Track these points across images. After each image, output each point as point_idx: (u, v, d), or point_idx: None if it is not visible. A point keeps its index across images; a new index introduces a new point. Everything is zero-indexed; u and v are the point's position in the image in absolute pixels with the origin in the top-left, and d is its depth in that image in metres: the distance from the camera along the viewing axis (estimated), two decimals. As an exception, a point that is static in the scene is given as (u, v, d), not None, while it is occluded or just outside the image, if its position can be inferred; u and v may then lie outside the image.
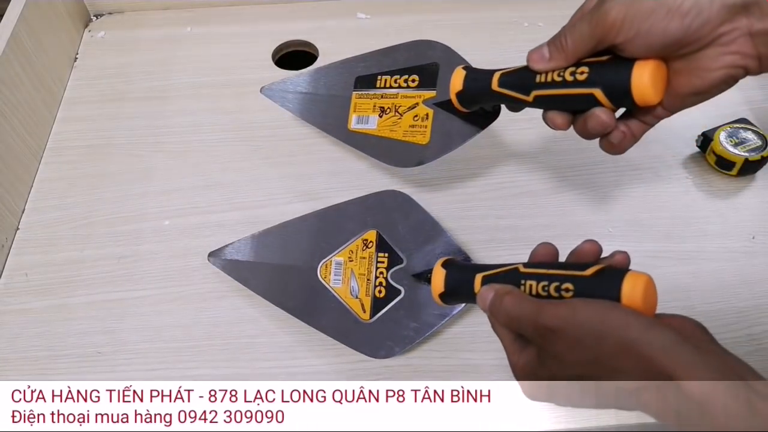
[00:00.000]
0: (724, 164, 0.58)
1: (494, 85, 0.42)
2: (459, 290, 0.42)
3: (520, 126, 0.64)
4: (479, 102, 0.44)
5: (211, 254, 0.51)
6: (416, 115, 0.47)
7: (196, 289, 0.52)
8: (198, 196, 0.59)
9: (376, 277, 0.46)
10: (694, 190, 0.59)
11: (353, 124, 0.49)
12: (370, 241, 0.46)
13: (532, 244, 0.55)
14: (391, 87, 0.48)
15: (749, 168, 0.58)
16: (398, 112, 0.48)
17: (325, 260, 0.48)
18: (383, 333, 0.45)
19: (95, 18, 0.76)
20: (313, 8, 0.77)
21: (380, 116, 0.48)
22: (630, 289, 0.32)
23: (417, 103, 0.47)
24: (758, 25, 0.30)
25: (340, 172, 0.61)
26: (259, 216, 0.57)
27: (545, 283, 0.36)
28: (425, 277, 0.45)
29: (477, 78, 0.43)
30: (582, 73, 0.38)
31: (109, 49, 0.73)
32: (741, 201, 0.58)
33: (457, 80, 0.43)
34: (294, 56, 0.74)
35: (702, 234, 0.56)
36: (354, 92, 0.50)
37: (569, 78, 0.38)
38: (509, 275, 0.39)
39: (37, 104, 0.62)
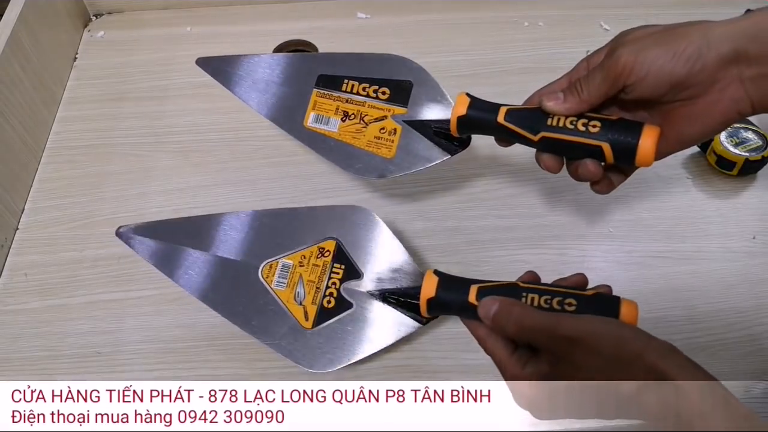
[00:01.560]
0: (724, 164, 0.58)
1: (500, 118, 0.43)
2: (450, 299, 0.41)
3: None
4: (478, 130, 0.44)
5: (123, 227, 0.46)
6: (383, 128, 0.46)
7: (196, 289, 0.52)
8: (198, 196, 0.59)
9: (327, 287, 0.43)
10: (695, 190, 0.59)
11: (310, 121, 0.47)
12: (327, 251, 0.44)
13: (532, 245, 0.55)
14: (358, 94, 0.47)
15: (750, 168, 0.58)
16: (364, 121, 0.46)
17: (270, 260, 0.44)
18: (324, 344, 0.42)
19: (95, 18, 0.76)
20: (312, 8, 0.77)
21: (342, 120, 0.46)
22: (627, 312, 0.38)
23: (386, 116, 0.46)
24: (747, 72, 0.34)
25: (340, 172, 0.60)
26: (259, 216, 0.57)
27: (548, 297, 0.38)
28: (384, 296, 0.43)
29: (483, 107, 0.43)
30: (594, 126, 0.39)
31: (109, 48, 0.73)
32: (741, 201, 0.58)
33: (461, 105, 0.43)
34: (294, 56, 0.74)
35: (702, 234, 0.56)
36: (315, 89, 0.47)
37: (581, 128, 0.39)
38: (509, 288, 0.39)
39: (36, 104, 0.62)
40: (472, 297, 0.40)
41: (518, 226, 0.56)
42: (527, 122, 0.42)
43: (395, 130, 0.46)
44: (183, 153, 0.62)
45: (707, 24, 0.36)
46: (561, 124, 0.40)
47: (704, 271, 0.53)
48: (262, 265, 0.44)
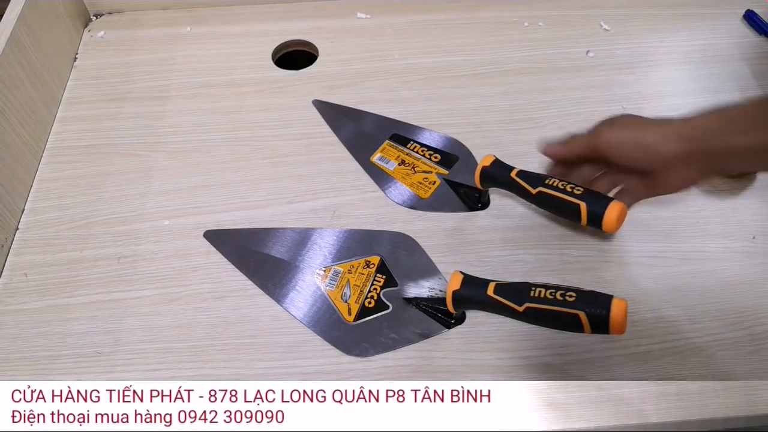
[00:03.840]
0: (724, 164, 0.58)
1: (513, 174, 0.53)
2: (472, 292, 0.47)
3: (520, 126, 0.64)
4: (494, 183, 0.54)
5: (210, 231, 0.56)
6: (426, 178, 0.59)
7: (195, 289, 0.52)
8: (198, 196, 0.59)
9: (369, 291, 0.51)
10: (695, 190, 0.59)
11: (375, 159, 0.61)
12: (373, 263, 0.53)
13: (532, 245, 0.55)
14: (417, 153, 0.61)
15: (749, 168, 0.58)
16: (414, 169, 0.60)
17: (325, 267, 0.53)
18: (362, 335, 0.49)
19: (95, 18, 0.76)
20: (312, 8, 0.77)
21: (399, 164, 0.60)
22: (616, 309, 0.43)
23: (431, 171, 0.60)
24: (694, 163, 0.45)
25: (340, 172, 0.61)
26: (258, 216, 0.57)
27: (552, 290, 0.45)
28: (417, 302, 0.51)
29: (502, 167, 0.54)
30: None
31: (109, 48, 0.73)
32: (741, 201, 0.58)
33: (487, 160, 0.54)
34: (294, 56, 0.74)
35: (702, 234, 0.56)
36: (387, 141, 0.62)
37: (562, 187, 0.51)
38: (520, 285, 0.47)
39: (36, 104, 0.62)
40: (490, 291, 0.46)
41: (518, 226, 0.56)
42: (531, 180, 0.52)
43: (435, 182, 0.59)
44: (183, 153, 0.62)
45: (663, 123, 0.47)
46: (554, 183, 0.51)
47: (704, 271, 0.53)
48: (316, 270, 0.53)
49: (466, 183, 0.59)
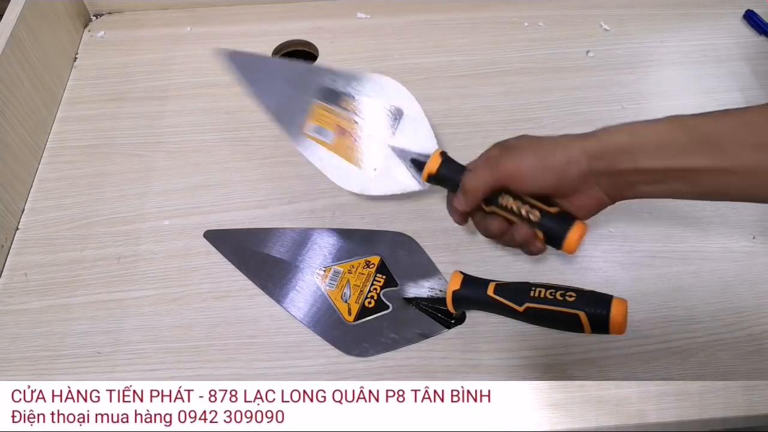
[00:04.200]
0: (724, 164, 0.58)
1: (490, 292, 0.47)
2: (471, 292, 0.47)
3: (520, 126, 0.64)
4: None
5: (209, 231, 0.56)
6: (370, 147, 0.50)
7: (195, 289, 0.52)
8: (198, 196, 0.59)
9: (369, 291, 0.51)
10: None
11: (309, 131, 0.50)
12: (373, 263, 0.53)
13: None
14: (353, 112, 0.50)
15: (749, 168, 0.58)
16: (354, 139, 0.50)
17: (325, 267, 0.53)
18: (362, 335, 0.49)
19: (95, 18, 0.76)
20: (312, 8, 0.77)
21: (337, 135, 0.50)
22: (616, 309, 0.43)
23: (373, 136, 0.51)
24: (601, 181, 0.42)
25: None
26: (258, 216, 0.57)
27: (552, 290, 0.45)
28: (417, 302, 0.51)
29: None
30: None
31: (109, 48, 0.73)
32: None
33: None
34: (294, 56, 0.74)
35: (702, 234, 0.56)
36: (315, 102, 0.50)
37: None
38: (520, 285, 0.46)
39: (36, 104, 0.62)
40: (490, 291, 0.47)
41: (518, 226, 0.56)
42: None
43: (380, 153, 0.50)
44: (183, 153, 0.62)
45: (567, 141, 0.42)
46: (507, 205, 0.46)
47: (704, 271, 0.53)
48: (316, 270, 0.53)
49: (415, 149, 0.49)
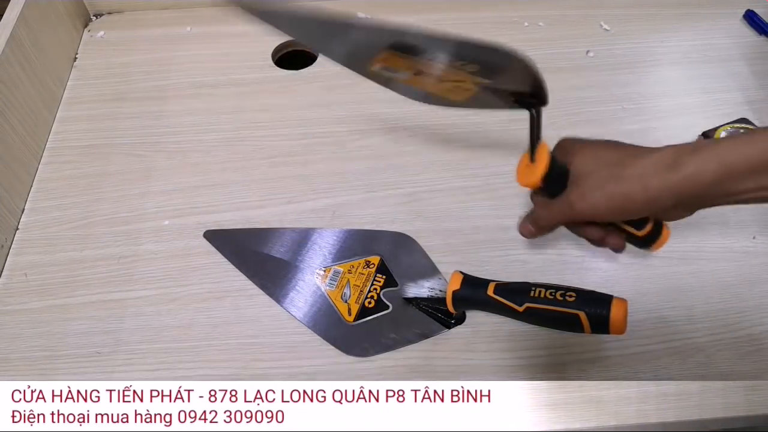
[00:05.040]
0: (724, 164, 0.58)
1: (490, 291, 0.48)
2: (472, 292, 0.47)
3: (521, 126, 0.64)
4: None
5: (209, 231, 0.56)
6: (458, 85, 0.41)
7: (195, 289, 0.52)
8: (198, 196, 0.59)
9: (369, 291, 0.51)
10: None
11: (377, 68, 0.40)
12: (373, 264, 0.53)
13: (532, 245, 0.55)
14: (441, 66, 0.39)
15: (749, 168, 0.58)
16: (439, 79, 0.40)
17: (325, 267, 0.53)
18: (362, 335, 0.49)
19: (95, 18, 0.76)
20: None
21: (414, 74, 0.40)
22: (616, 309, 0.43)
23: (465, 81, 0.40)
24: (685, 211, 0.42)
25: (340, 172, 0.61)
26: (258, 216, 0.57)
27: (552, 290, 0.45)
28: (417, 302, 0.51)
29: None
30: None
31: (109, 48, 0.73)
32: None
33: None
34: (294, 56, 0.74)
35: (702, 234, 0.56)
36: (386, 50, 0.39)
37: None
38: (520, 285, 0.47)
39: (36, 104, 0.62)
40: (490, 291, 0.47)
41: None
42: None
43: (471, 89, 0.41)
44: (183, 153, 0.62)
45: (646, 177, 0.38)
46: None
47: (704, 271, 0.53)
48: (316, 270, 0.53)
49: (515, 88, 0.41)
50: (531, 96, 0.42)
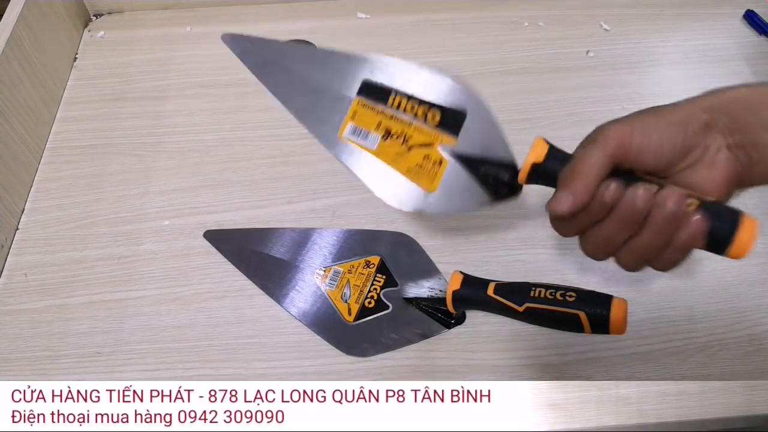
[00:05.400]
0: (724, 164, 0.58)
1: (490, 292, 0.47)
2: (472, 292, 0.47)
3: (520, 126, 0.64)
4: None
5: (209, 231, 0.56)
6: (428, 156, 0.40)
7: (195, 290, 0.52)
8: (198, 196, 0.59)
9: (369, 291, 0.51)
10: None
11: (347, 133, 0.41)
12: (373, 264, 0.53)
13: (532, 245, 0.55)
14: (405, 111, 0.41)
15: (749, 168, 0.58)
16: (407, 144, 0.40)
17: (325, 267, 0.53)
18: (362, 335, 0.49)
19: (95, 18, 0.76)
20: (313, 8, 0.77)
21: (384, 138, 0.41)
22: (616, 309, 0.43)
23: (432, 144, 0.40)
24: (730, 140, 0.35)
25: (340, 172, 0.60)
26: (258, 216, 0.57)
27: (552, 290, 0.45)
28: (417, 302, 0.51)
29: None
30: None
31: (109, 48, 0.73)
32: (741, 201, 0.58)
33: (539, 150, 0.37)
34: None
35: (702, 234, 0.56)
36: (358, 97, 0.41)
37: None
38: (520, 285, 0.46)
39: (36, 104, 0.62)
40: (490, 291, 0.47)
41: (518, 226, 0.56)
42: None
43: (441, 161, 0.40)
44: (183, 153, 0.62)
45: (675, 104, 0.35)
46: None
47: (703, 271, 0.53)
48: (316, 270, 0.53)
49: (487, 155, 0.40)
50: (500, 167, 0.39)
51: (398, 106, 0.41)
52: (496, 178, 0.39)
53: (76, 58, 0.72)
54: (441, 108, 0.40)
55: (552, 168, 0.37)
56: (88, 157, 0.62)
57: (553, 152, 0.37)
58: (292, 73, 0.43)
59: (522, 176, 0.38)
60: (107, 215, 0.57)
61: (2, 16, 0.60)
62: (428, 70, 0.41)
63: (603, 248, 0.36)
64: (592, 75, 0.69)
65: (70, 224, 0.57)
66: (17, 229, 0.57)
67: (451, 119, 0.40)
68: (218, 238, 0.55)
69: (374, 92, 0.41)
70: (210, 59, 0.71)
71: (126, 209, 0.58)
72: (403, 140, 0.41)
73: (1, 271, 0.54)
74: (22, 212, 0.58)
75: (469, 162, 0.40)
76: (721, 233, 0.33)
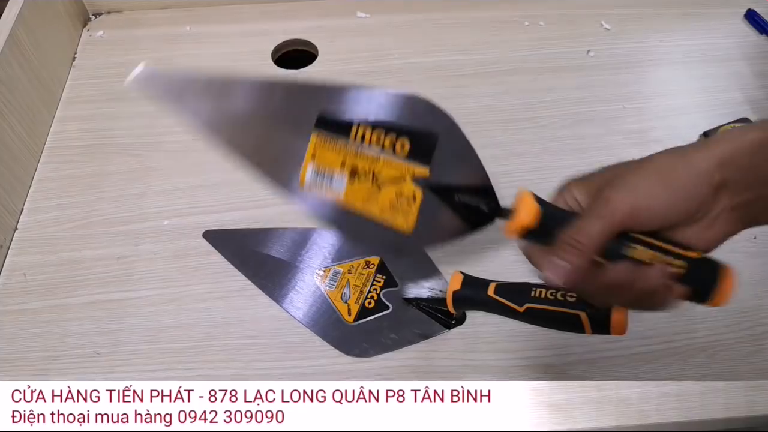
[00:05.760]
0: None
1: (490, 292, 0.47)
2: (472, 293, 0.47)
3: (520, 126, 0.64)
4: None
5: (209, 231, 0.56)
6: (400, 193, 0.36)
7: (195, 290, 0.52)
8: (198, 196, 0.59)
9: (369, 291, 0.51)
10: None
11: (308, 177, 0.36)
12: (372, 264, 0.53)
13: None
14: (371, 144, 0.36)
15: (750, 167, 0.58)
16: (377, 182, 0.36)
17: (325, 267, 0.53)
18: (362, 336, 0.49)
19: (94, 17, 0.76)
20: (312, 7, 0.77)
21: (351, 179, 0.36)
22: (617, 314, 0.42)
23: (404, 178, 0.36)
24: (736, 200, 0.33)
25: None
26: (258, 216, 0.57)
27: (553, 290, 0.45)
28: (418, 303, 0.50)
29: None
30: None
31: (108, 48, 0.73)
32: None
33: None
34: (294, 55, 0.74)
35: (703, 234, 0.56)
36: (315, 132, 0.36)
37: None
38: (521, 285, 0.46)
39: (35, 104, 0.62)
40: (490, 291, 0.46)
41: (518, 226, 0.56)
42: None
43: (415, 196, 0.36)
44: (183, 153, 0.62)
45: (686, 153, 0.33)
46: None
47: (705, 271, 0.53)
48: (316, 270, 0.53)
49: (461, 183, 0.37)
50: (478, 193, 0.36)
51: (362, 139, 0.36)
52: (474, 207, 0.37)
53: (75, 57, 0.71)
54: (410, 133, 0.36)
55: (550, 225, 0.34)
56: (87, 156, 0.62)
57: (547, 212, 0.35)
58: (227, 111, 0.37)
59: (513, 232, 0.36)
60: (106, 215, 0.57)
61: (1, 15, 0.60)
62: (390, 91, 0.37)
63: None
64: (592, 75, 0.69)
65: (69, 224, 0.57)
66: (16, 229, 0.57)
67: (422, 145, 0.36)
68: (218, 238, 0.55)
69: (333, 126, 0.36)
70: (210, 59, 0.71)
71: (125, 209, 0.58)
72: (372, 178, 0.36)
73: (0, 271, 0.54)
74: (21, 212, 0.58)
75: (444, 192, 0.37)
76: (702, 290, 0.34)
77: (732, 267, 0.34)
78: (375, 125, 0.36)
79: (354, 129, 0.36)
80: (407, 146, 0.36)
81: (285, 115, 0.37)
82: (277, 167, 0.37)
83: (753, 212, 0.33)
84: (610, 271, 0.33)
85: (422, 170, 0.36)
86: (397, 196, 0.37)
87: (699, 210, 0.33)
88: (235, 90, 0.37)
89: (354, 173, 0.36)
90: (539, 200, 0.35)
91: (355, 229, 0.37)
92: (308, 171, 0.36)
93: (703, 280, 0.33)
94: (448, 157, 0.36)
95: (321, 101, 0.36)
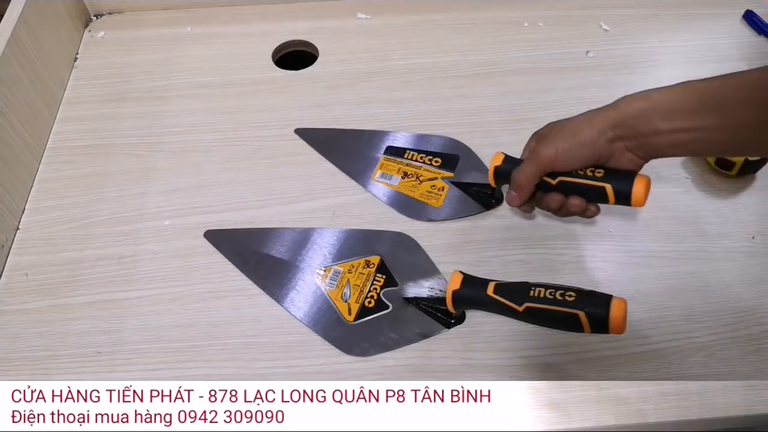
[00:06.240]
0: (723, 164, 0.58)
1: (489, 291, 0.49)
2: (471, 292, 0.47)
3: (521, 126, 0.64)
4: (507, 180, 0.52)
5: (210, 231, 0.56)
6: (434, 185, 0.59)
7: (195, 289, 0.52)
8: (198, 196, 0.59)
9: (369, 291, 0.51)
10: (694, 190, 0.59)
11: (377, 177, 0.60)
12: (372, 263, 0.53)
13: (532, 245, 0.55)
14: (416, 161, 0.61)
15: (749, 168, 0.58)
16: (419, 179, 0.59)
17: (325, 266, 0.53)
18: (362, 335, 0.49)
19: (95, 18, 0.76)
20: (313, 8, 0.77)
21: (403, 178, 0.59)
22: (616, 308, 0.43)
23: (436, 177, 0.59)
24: (628, 144, 0.46)
25: (340, 172, 0.61)
26: (258, 216, 0.57)
27: (552, 290, 0.45)
28: (417, 302, 0.51)
29: (513, 162, 0.52)
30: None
31: (109, 49, 0.73)
32: (741, 201, 0.58)
33: (498, 158, 0.52)
34: (294, 56, 0.74)
35: (702, 234, 0.56)
36: (384, 156, 0.61)
37: (589, 174, 0.48)
38: (520, 284, 0.47)
39: (37, 104, 0.62)
40: (490, 291, 0.47)
41: (518, 226, 0.56)
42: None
43: (443, 188, 0.58)
44: (183, 153, 0.62)
45: (591, 116, 0.46)
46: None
47: (704, 271, 0.53)
48: (316, 270, 0.53)
49: (474, 181, 0.58)
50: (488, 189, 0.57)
51: (412, 158, 0.61)
52: (482, 194, 0.58)
53: (76, 58, 0.72)
54: (441, 155, 0.61)
55: (508, 170, 0.51)
56: (88, 157, 0.62)
57: (508, 159, 0.52)
58: (343, 148, 0.63)
59: (490, 177, 0.52)
60: (107, 215, 0.58)
61: (3, 16, 0.60)
62: (431, 134, 0.63)
63: (543, 207, 0.51)
64: (591, 75, 0.69)
65: (70, 224, 0.57)
66: (18, 228, 0.57)
67: (449, 162, 0.61)
68: (218, 238, 0.55)
69: (395, 152, 0.62)
70: (210, 59, 0.71)
71: (126, 209, 0.58)
72: (416, 178, 0.59)
73: (2, 271, 0.54)
74: (23, 212, 0.58)
75: (462, 186, 0.59)
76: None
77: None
78: (419, 150, 0.62)
79: (407, 153, 0.62)
80: (439, 161, 0.61)
81: (365, 147, 0.63)
82: (360, 171, 0.61)
83: (643, 151, 0.46)
84: (547, 197, 0.49)
85: (449, 174, 0.60)
86: (431, 187, 0.59)
87: (602, 155, 0.46)
88: (348, 136, 0.65)
89: (405, 175, 0.60)
90: (507, 155, 0.52)
91: (401, 204, 0.58)
92: (378, 174, 0.60)
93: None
94: (465, 168, 0.60)
95: (389, 139, 0.63)
